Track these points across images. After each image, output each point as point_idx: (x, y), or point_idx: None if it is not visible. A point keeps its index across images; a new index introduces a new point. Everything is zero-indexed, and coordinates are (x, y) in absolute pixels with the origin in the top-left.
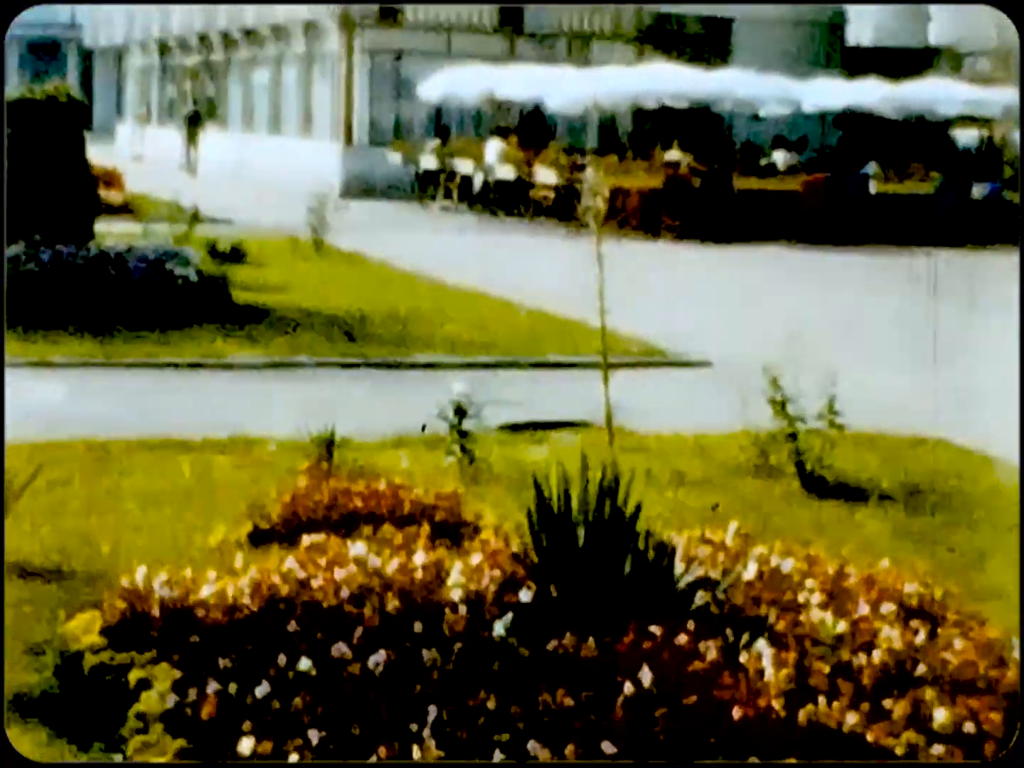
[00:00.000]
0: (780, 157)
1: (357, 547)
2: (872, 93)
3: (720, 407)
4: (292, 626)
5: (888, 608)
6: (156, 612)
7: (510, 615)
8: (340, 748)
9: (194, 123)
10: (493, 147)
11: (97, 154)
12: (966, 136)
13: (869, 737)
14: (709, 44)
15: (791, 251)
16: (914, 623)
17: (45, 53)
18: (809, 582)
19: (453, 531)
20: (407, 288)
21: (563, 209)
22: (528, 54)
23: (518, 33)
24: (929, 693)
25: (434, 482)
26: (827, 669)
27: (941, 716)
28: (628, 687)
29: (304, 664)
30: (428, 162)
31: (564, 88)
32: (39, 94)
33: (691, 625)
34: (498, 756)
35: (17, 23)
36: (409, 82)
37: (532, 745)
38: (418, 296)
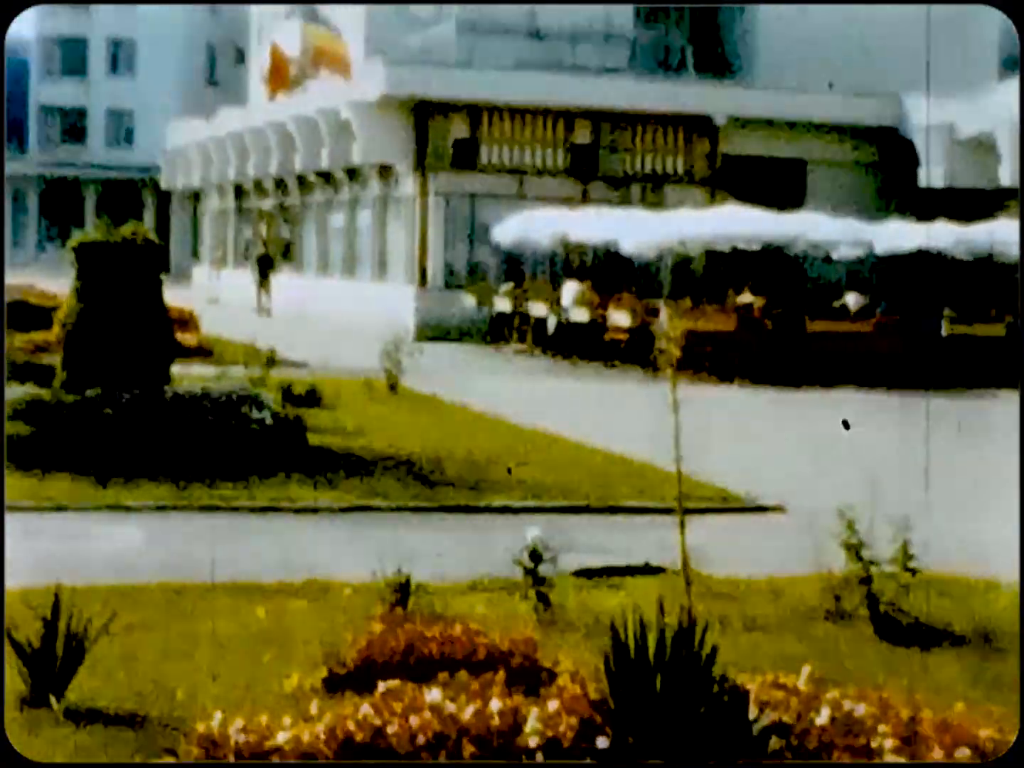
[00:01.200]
0: (852, 299)
1: (433, 693)
2: (943, 235)
3: (793, 551)
4: None
5: (962, 753)
6: (232, 758)
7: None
8: None
9: (265, 266)
10: (567, 290)
11: (173, 296)
12: None
13: None
14: (782, 186)
15: (864, 394)
16: None
17: (122, 195)
18: (882, 727)
19: (530, 677)
20: (482, 431)
21: (637, 352)
22: (602, 197)
23: (591, 176)
24: None
25: (510, 628)
26: None
27: None
28: None
29: None
30: (502, 305)
31: (638, 231)
32: (116, 237)
33: None
34: None
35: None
36: (483, 225)
37: None
38: (493, 439)
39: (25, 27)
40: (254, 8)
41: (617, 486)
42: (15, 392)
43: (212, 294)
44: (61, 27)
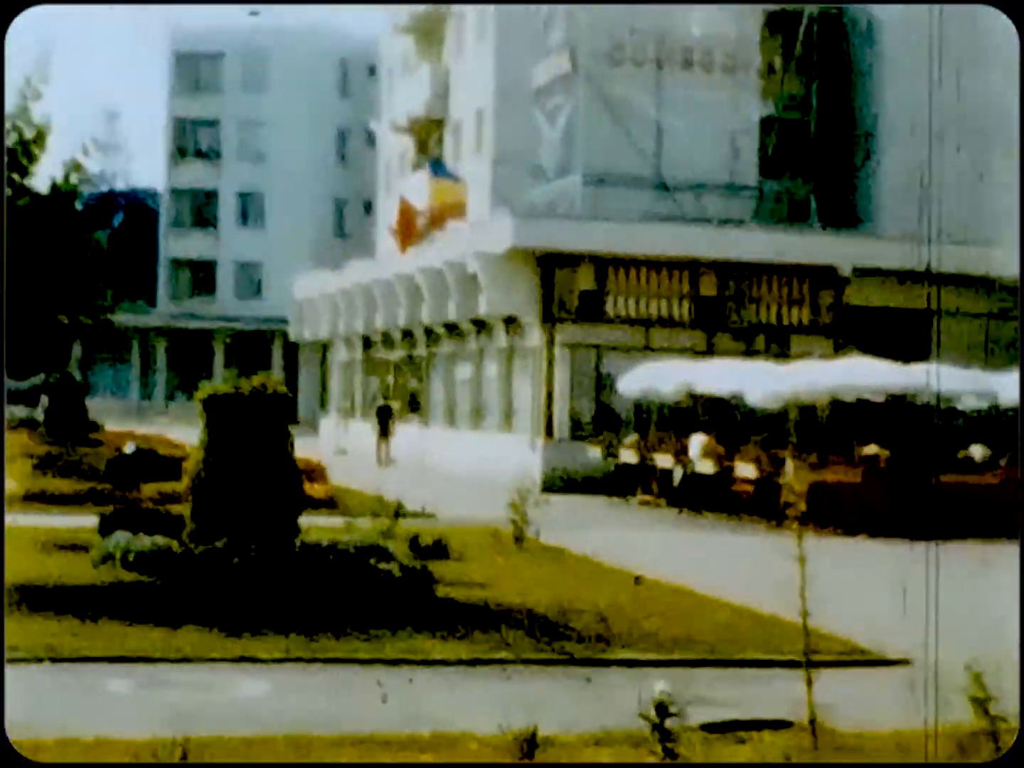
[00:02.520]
0: (977, 451)
1: None
2: None
3: (920, 705)
4: None
5: None
6: None
7: None
8: None
9: (385, 417)
10: (693, 441)
11: (301, 447)
12: None
13: None
14: (907, 337)
15: (992, 547)
16: None
17: (251, 346)
18: None
19: None
20: (608, 583)
21: (763, 504)
22: (727, 348)
23: (717, 327)
24: None
25: None
26: None
27: None
28: None
29: None
30: (628, 456)
31: (763, 382)
32: (245, 388)
33: None
34: None
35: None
36: (609, 376)
37: None
38: (619, 591)
39: (156, 180)
40: (382, 160)
41: (744, 639)
42: (144, 542)
43: (339, 445)
44: (192, 180)
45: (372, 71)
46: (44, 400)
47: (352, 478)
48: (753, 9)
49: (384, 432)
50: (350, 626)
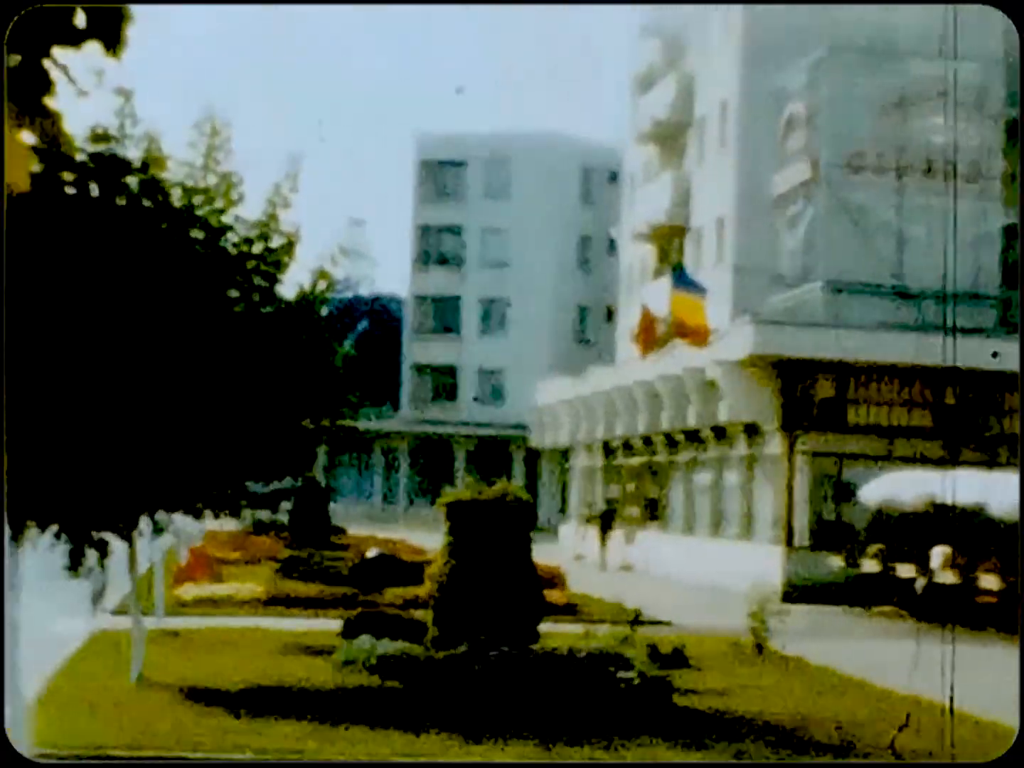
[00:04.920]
0: None
1: None
2: None
3: None
4: None
5: None
6: None
7: None
8: None
9: (606, 522)
10: (935, 553)
11: (541, 552)
12: None
13: None
14: None
15: None
16: None
17: (492, 452)
18: None
19: None
20: (850, 694)
21: (1008, 617)
22: (970, 458)
23: (960, 437)
24: None
25: None
26: None
27: None
28: None
29: None
30: (869, 566)
31: (1006, 493)
32: (487, 495)
33: None
34: None
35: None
36: (850, 484)
37: None
38: (861, 702)
39: (399, 286)
40: (623, 267)
41: (987, 753)
42: (387, 647)
43: (577, 551)
44: (435, 287)
45: (613, 177)
46: (284, 505)
47: (590, 584)
48: (995, 117)
49: (603, 538)
50: (588, 734)
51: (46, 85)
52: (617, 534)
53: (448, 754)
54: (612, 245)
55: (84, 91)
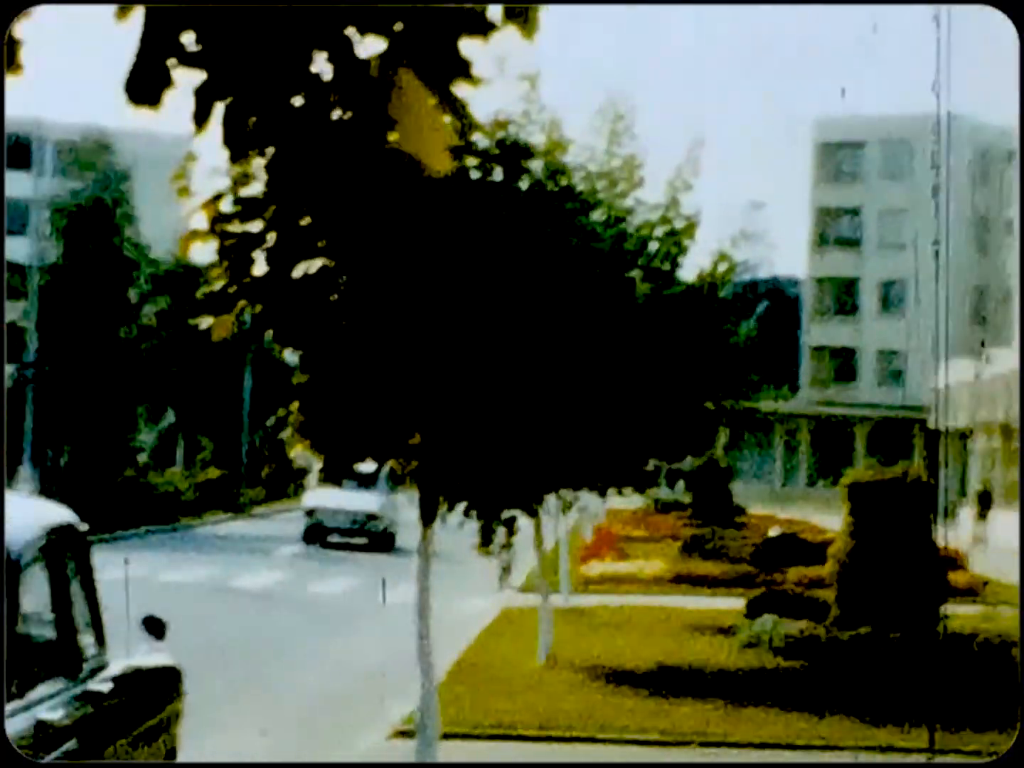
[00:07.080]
0: None
1: None
2: None
3: None
4: None
5: None
6: None
7: None
8: None
9: (985, 502)
10: None
11: (940, 535)
12: None
13: None
14: None
15: None
16: None
17: (892, 433)
18: None
19: None
20: None
21: None
22: None
23: None
24: None
25: None
26: None
27: None
28: None
29: None
30: None
31: None
32: (887, 475)
33: None
34: None
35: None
36: None
37: None
38: None
39: (797, 268)
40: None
41: None
42: (790, 627)
43: (976, 533)
44: (832, 268)
45: (1009, 158)
46: (680, 483)
47: (990, 566)
48: None
49: (981, 515)
50: (993, 720)
51: (462, 69)
52: (976, 512)
53: (850, 737)
54: (1010, 226)
55: (484, 79)
